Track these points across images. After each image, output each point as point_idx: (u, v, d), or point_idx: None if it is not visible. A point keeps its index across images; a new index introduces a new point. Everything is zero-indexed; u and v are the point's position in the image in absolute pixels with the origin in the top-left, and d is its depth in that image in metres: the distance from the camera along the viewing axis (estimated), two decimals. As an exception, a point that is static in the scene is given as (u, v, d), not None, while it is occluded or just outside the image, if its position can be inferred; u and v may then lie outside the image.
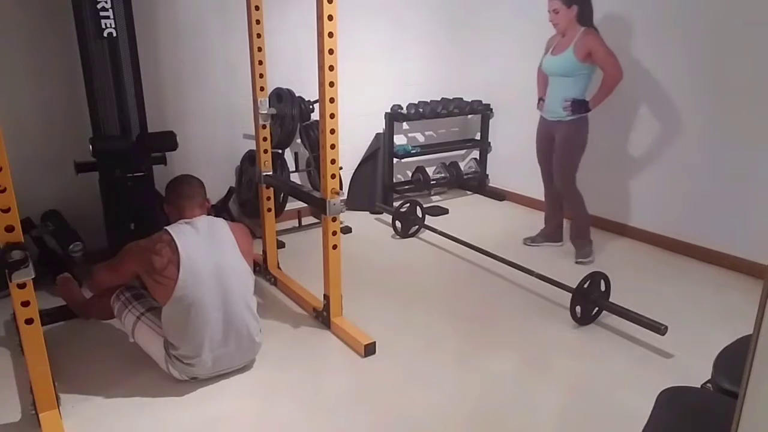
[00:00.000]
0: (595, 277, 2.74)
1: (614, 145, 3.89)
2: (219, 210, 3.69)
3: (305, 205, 3.69)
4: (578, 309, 2.73)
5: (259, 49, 2.93)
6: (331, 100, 2.36)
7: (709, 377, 1.48)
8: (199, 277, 2.15)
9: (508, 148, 4.71)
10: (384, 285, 3.19)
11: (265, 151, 3.11)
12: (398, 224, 3.95)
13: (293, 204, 3.90)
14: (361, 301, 2.88)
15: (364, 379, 2.34)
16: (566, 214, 3.69)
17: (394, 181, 4.60)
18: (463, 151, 5.05)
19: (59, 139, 3.22)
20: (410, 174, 4.79)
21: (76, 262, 2.99)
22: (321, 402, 2.20)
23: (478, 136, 4.95)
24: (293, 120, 3.76)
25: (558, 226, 3.72)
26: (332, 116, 2.38)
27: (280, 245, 3.58)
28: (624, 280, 2.99)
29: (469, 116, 4.94)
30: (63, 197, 3.25)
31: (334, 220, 2.53)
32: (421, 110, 4.42)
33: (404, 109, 4.41)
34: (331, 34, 2.27)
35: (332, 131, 2.40)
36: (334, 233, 2.56)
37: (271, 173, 3.16)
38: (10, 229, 1.75)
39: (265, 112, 3.05)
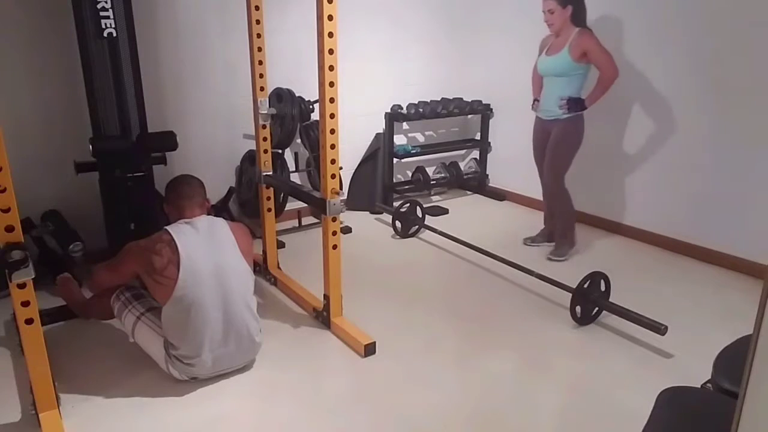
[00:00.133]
0: (595, 277, 2.74)
1: (614, 145, 3.89)
2: (219, 210, 3.68)
3: (305, 205, 3.69)
4: (578, 309, 2.73)
5: (259, 49, 2.93)
6: (331, 100, 2.36)
7: (709, 377, 1.48)
8: (199, 277, 2.15)
9: (508, 148, 4.71)
10: (384, 285, 3.19)
11: (265, 151, 3.11)
12: (398, 224, 3.95)
13: (293, 204, 3.90)
14: (361, 301, 2.88)
15: (364, 379, 2.34)
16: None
17: (394, 181, 4.60)
18: (463, 151, 5.05)
19: (59, 139, 3.22)
20: (410, 174, 4.79)
21: (76, 262, 2.99)
22: (321, 402, 2.20)
23: (478, 136, 4.95)
24: (293, 120, 3.76)
25: (557, 225, 3.71)
26: (332, 116, 2.38)
27: (280, 245, 3.58)
28: (624, 280, 2.99)
29: (469, 116, 4.94)
30: (63, 197, 3.25)
31: (334, 220, 2.53)
32: (421, 110, 4.42)
33: (404, 109, 4.41)
34: (331, 34, 2.27)
35: (332, 131, 2.40)
36: (334, 233, 2.56)
37: (271, 173, 3.16)
38: (10, 229, 1.75)
39: (265, 112, 3.05)
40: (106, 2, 2.69)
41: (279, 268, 3.27)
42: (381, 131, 4.44)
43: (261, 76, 2.98)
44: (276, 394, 2.24)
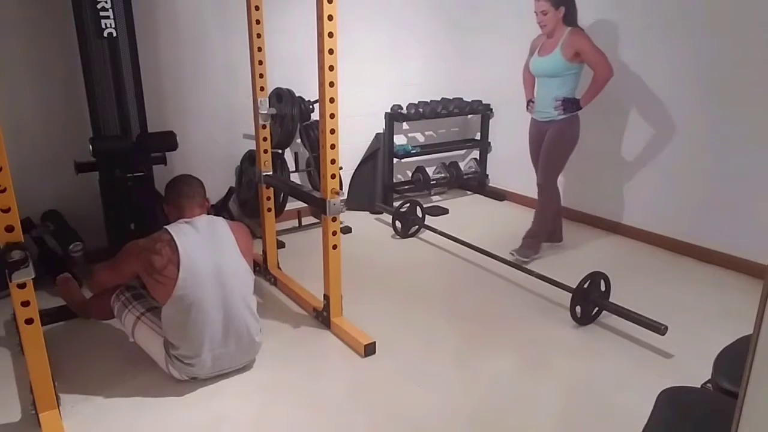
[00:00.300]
0: (595, 277, 2.74)
1: (614, 144, 3.89)
2: (219, 210, 3.68)
3: (305, 205, 3.69)
4: (578, 309, 2.73)
5: (259, 49, 2.93)
6: (331, 100, 2.36)
7: (709, 377, 1.48)
8: (198, 276, 2.15)
9: (508, 148, 4.71)
10: (384, 285, 3.19)
11: (265, 151, 3.11)
12: (398, 224, 3.95)
13: (293, 204, 3.90)
14: (361, 301, 2.88)
15: (364, 379, 2.34)
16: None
17: (394, 181, 4.60)
18: (463, 151, 5.05)
19: (59, 139, 3.22)
20: (410, 174, 4.79)
21: (76, 262, 2.99)
22: (321, 402, 2.20)
23: (478, 136, 4.95)
24: (293, 120, 3.76)
25: (557, 225, 3.71)
26: (332, 116, 2.38)
27: (280, 245, 3.58)
28: (624, 280, 2.99)
29: (469, 116, 4.94)
30: (63, 197, 3.25)
31: (334, 220, 2.53)
32: (421, 110, 4.42)
33: (404, 109, 4.41)
34: (331, 34, 2.27)
35: (332, 131, 2.40)
36: (334, 233, 2.56)
37: (271, 173, 3.16)
38: (10, 229, 1.74)
39: (265, 112, 3.05)
40: (106, 2, 2.70)
41: (279, 268, 3.27)
42: (381, 131, 4.44)
43: (261, 76, 2.98)
44: (276, 394, 2.24)
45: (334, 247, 2.58)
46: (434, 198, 4.85)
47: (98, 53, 2.78)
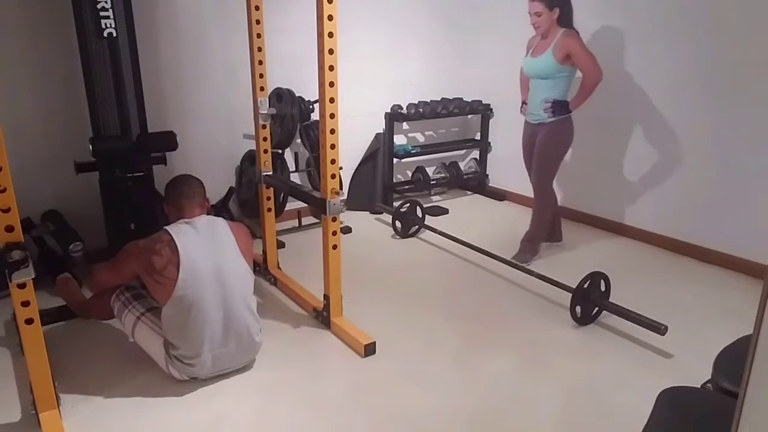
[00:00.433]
0: (595, 277, 2.74)
1: (614, 145, 3.89)
2: (219, 210, 3.68)
3: (305, 205, 3.69)
4: (578, 309, 2.73)
5: (259, 49, 2.93)
6: (331, 100, 2.36)
7: (709, 377, 1.48)
8: (198, 277, 2.15)
9: (508, 148, 4.69)
10: (384, 285, 3.19)
11: (265, 151, 3.11)
12: (398, 224, 3.95)
13: (293, 204, 3.90)
14: (361, 301, 2.88)
15: (364, 379, 2.34)
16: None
17: (394, 181, 4.60)
18: (463, 151, 5.05)
19: (59, 139, 3.22)
20: (410, 174, 4.79)
21: (76, 262, 2.99)
22: (321, 402, 2.20)
23: (478, 136, 4.95)
24: (293, 120, 3.76)
25: (556, 225, 3.71)
26: (332, 116, 2.38)
27: (280, 245, 3.58)
28: (624, 280, 2.99)
29: (469, 116, 4.94)
30: (63, 197, 3.25)
31: (334, 220, 2.53)
32: (421, 110, 4.42)
33: (404, 109, 4.41)
34: (331, 34, 2.27)
35: (332, 131, 2.40)
36: (334, 233, 2.56)
37: (271, 173, 3.16)
38: (10, 229, 1.74)
39: (265, 112, 3.05)
40: (106, 2, 2.69)
41: (279, 268, 3.27)
42: (381, 131, 4.44)
43: (261, 76, 2.98)
44: (276, 394, 2.24)
45: (334, 247, 2.58)
46: (434, 198, 4.85)
47: (98, 53, 2.78)
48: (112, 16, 2.73)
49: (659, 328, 2.47)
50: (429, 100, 4.55)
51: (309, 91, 3.69)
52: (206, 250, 2.19)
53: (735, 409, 0.73)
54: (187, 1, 3.51)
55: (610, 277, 2.77)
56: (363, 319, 2.68)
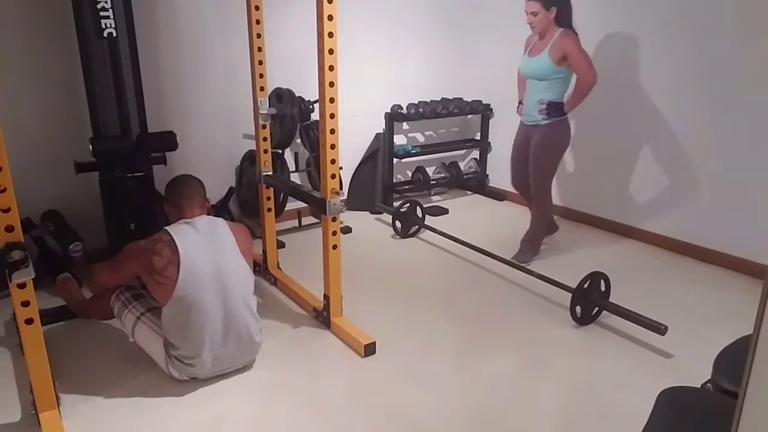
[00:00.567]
0: (595, 277, 2.74)
1: (613, 145, 3.89)
2: (219, 210, 3.69)
3: (305, 205, 3.69)
4: (578, 309, 2.73)
5: (259, 49, 2.93)
6: (331, 100, 2.36)
7: (709, 377, 1.48)
8: (199, 277, 2.15)
9: (508, 148, 4.65)
10: (384, 285, 3.19)
11: (265, 151, 3.11)
12: (398, 224, 3.95)
13: (293, 204, 3.90)
14: (361, 301, 2.88)
15: (364, 379, 2.34)
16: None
17: (394, 181, 4.60)
18: (463, 151, 5.05)
19: (59, 139, 3.22)
20: (410, 174, 4.79)
21: (76, 262, 2.99)
22: (321, 402, 2.20)
23: (478, 136, 4.95)
24: (293, 120, 3.76)
25: (549, 220, 3.69)
26: (332, 116, 2.38)
27: (280, 245, 3.58)
28: (624, 280, 2.99)
29: (469, 116, 4.94)
30: (63, 197, 3.25)
31: (334, 220, 2.53)
32: (421, 110, 4.42)
33: (404, 109, 4.41)
34: (331, 34, 2.27)
35: (332, 131, 2.40)
36: (334, 233, 2.56)
37: (271, 173, 3.16)
38: (10, 229, 1.74)
39: (265, 112, 3.05)
40: (106, 2, 2.69)
41: (279, 268, 3.27)
42: (381, 131, 4.44)
43: (261, 76, 2.98)
44: (276, 394, 2.24)
45: (334, 247, 2.58)
46: (434, 198, 4.85)
47: (98, 53, 2.78)
48: (112, 16, 2.73)
49: (659, 328, 2.47)
50: (429, 100, 4.55)
51: (309, 91, 3.69)
52: (206, 250, 2.19)
53: (735, 409, 0.73)
54: (187, 1, 3.51)
55: (610, 277, 2.77)
56: (363, 319, 2.68)
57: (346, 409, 2.15)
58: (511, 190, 4.69)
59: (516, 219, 4.25)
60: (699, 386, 1.66)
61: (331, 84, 2.34)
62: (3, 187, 1.71)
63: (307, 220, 4.12)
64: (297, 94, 3.80)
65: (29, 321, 1.87)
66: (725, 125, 3.30)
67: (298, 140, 4.00)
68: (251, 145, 3.48)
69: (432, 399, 2.21)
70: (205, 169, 3.40)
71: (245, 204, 3.91)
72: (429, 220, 4.01)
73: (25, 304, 1.84)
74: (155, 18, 3.41)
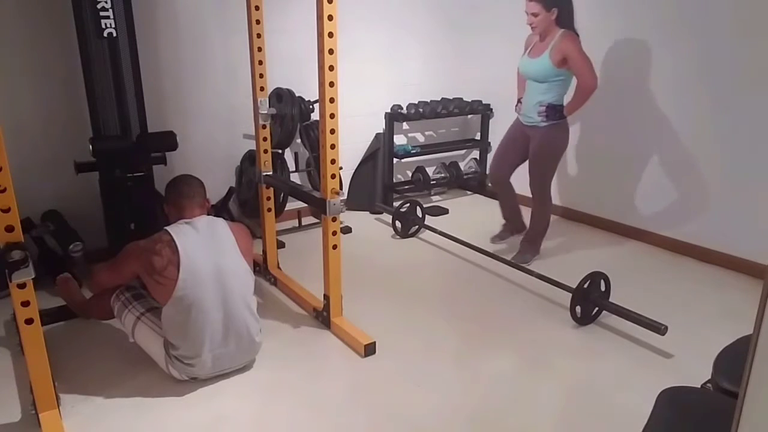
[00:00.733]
0: (595, 277, 2.74)
1: (613, 145, 3.89)
2: (219, 210, 3.69)
3: (305, 205, 3.69)
4: (578, 309, 2.73)
5: (259, 49, 2.93)
6: (331, 100, 2.36)
7: (709, 377, 1.48)
8: (199, 277, 2.15)
9: (508, 148, 4.70)
10: (384, 285, 3.19)
11: (265, 151, 3.11)
12: (398, 224, 3.95)
13: (293, 204, 3.90)
14: (361, 301, 2.88)
15: (364, 379, 2.34)
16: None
17: (394, 181, 4.60)
18: (463, 151, 5.05)
19: (59, 139, 3.22)
20: (410, 174, 4.79)
21: (76, 262, 2.99)
22: (321, 402, 2.20)
23: (478, 136, 4.95)
24: (293, 120, 3.76)
25: (518, 215, 3.70)
26: (332, 116, 2.38)
27: (280, 245, 3.58)
28: (624, 280, 2.99)
29: (469, 116, 4.94)
30: (63, 197, 3.25)
31: (334, 220, 2.53)
32: (421, 110, 4.42)
33: (404, 109, 4.41)
34: (331, 34, 2.27)
35: (332, 131, 2.40)
36: (334, 233, 2.56)
37: (271, 173, 3.16)
38: (10, 229, 1.74)
39: (265, 112, 3.05)
40: (106, 2, 2.69)
41: (279, 268, 3.27)
42: (381, 131, 4.44)
43: (261, 76, 2.98)
44: (276, 394, 2.24)
45: (334, 247, 2.58)
46: (434, 198, 4.85)
47: (98, 53, 2.78)
48: (112, 16, 2.73)
49: (659, 328, 2.47)
50: (429, 100, 4.55)
51: (309, 91, 3.69)
52: (206, 250, 2.19)
53: (735, 409, 0.73)
54: (187, 1, 3.51)
55: (610, 277, 2.77)
56: (363, 319, 2.68)
57: (346, 409, 2.15)
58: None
59: (516, 219, 4.25)
60: (699, 386, 1.66)
61: (331, 84, 2.34)
62: (3, 187, 1.71)
63: (307, 220, 4.12)
64: (297, 94, 3.80)
65: (29, 321, 1.87)
66: (726, 126, 3.30)
67: (298, 140, 4.00)
68: (251, 145, 3.48)
69: (432, 399, 2.21)
70: (205, 169, 3.40)
71: (245, 204, 3.91)
72: (429, 220, 4.01)
73: (25, 304, 1.84)
74: (155, 18, 3.41)
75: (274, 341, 2.55)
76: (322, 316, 2.72)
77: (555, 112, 3.16)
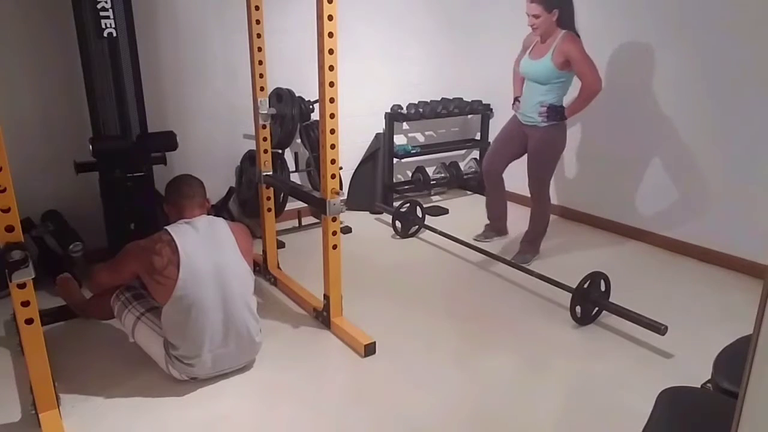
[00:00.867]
0: (595, 277, 2.74)
1: (612, 145, 3.89)
2: (219, 210, 3.68)
3: (305, 205, 3.69)
4: (578, 309, 2.73)
5: (259, 49, 2.93)
6: (331, 100, 2.36)
7: (709, 377, 1.48)
8: (199, 277, 2.15)
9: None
10: (384, 285, 3.19)
11: (265, 151, 3.11)
12: (398, 224, 3.95)
13: (293, 204, 3.90)
14: (361, 301, 2.88)
15: (364, 379, 2.34)
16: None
17: (394, 181, 4.60)
18: (463, 151, 5.05)
19: (59, 139, 3.22)
20: (410, 174, 4.79)
21: (76, 262, 2.99)
22: (321, 402, 2.20)
23: (478, 136, 4.95)
24: (293, 120, 3.76)
25: (504, 217, 3.76)
26: (332, 116, 2.38)
27: (280, 245, 3.58)
28: (624, 280, 2.99)
29: (469, 116, 4.94)
30: (63, 197, 3.25)
31: (334, 220, 2.53)
32: (421, 110, 4.42)
33: (404, 109, 4.41)
34: (331, 34, 2.27)
35: (332, 131, 2.40)
36: (334, 233, 2.56)
37: (271, 173, 3.16)
38: (10, 229, 1.74)
39: (265, 112, 3.05)
40: (106, 2, 2.69)
41: (279, 268, 3.27)
42: (381, 131, 4.44)
43: (261, 76, 2.98)
44: (276, 394, 2.24)
45: (334, 247, 2.58)
46: (434, 198, 4.85)
47: (98, 53, 2.78)
48: (112, 16, 2.73)
49: (659, 328, 2.47)
50: (429, 100, 4.55)
51: (309, 91, 3.69)
52: (206, 250, 2.19)
53: (735, 409, 0.73)
54: (187, 1, 3.51)
55: (610, 277, 2.77)
56: (363, 319, 2.68)
57: (346, 409, 2.15)
58: (511, 190, 4.69)
59: (516, 219, 4.24)
60: (699, 386, 1.66)
61: (331, 84, 2.34)
62: (3, 187, 1.71)
63: (307, 220, 4.12)
64: (297, 94, 3.80)
65: (29, 321, 1.87)
66: (726, 126, 3.30)
67: (298, 140, 4.00)
68: (251, 145, 3.47)
69: (432, 399, 2.21)
70: (205, 169, 3.39)
71: (245, 204, 3.91)
72: (429, 220, 4.01)
73: (25, 304, 1.84)
74: (155, 18, 3.41)
75: (274, 341, 2.55)
76: (322, 316, 2.72)
77: (556, 113, 3.16)
